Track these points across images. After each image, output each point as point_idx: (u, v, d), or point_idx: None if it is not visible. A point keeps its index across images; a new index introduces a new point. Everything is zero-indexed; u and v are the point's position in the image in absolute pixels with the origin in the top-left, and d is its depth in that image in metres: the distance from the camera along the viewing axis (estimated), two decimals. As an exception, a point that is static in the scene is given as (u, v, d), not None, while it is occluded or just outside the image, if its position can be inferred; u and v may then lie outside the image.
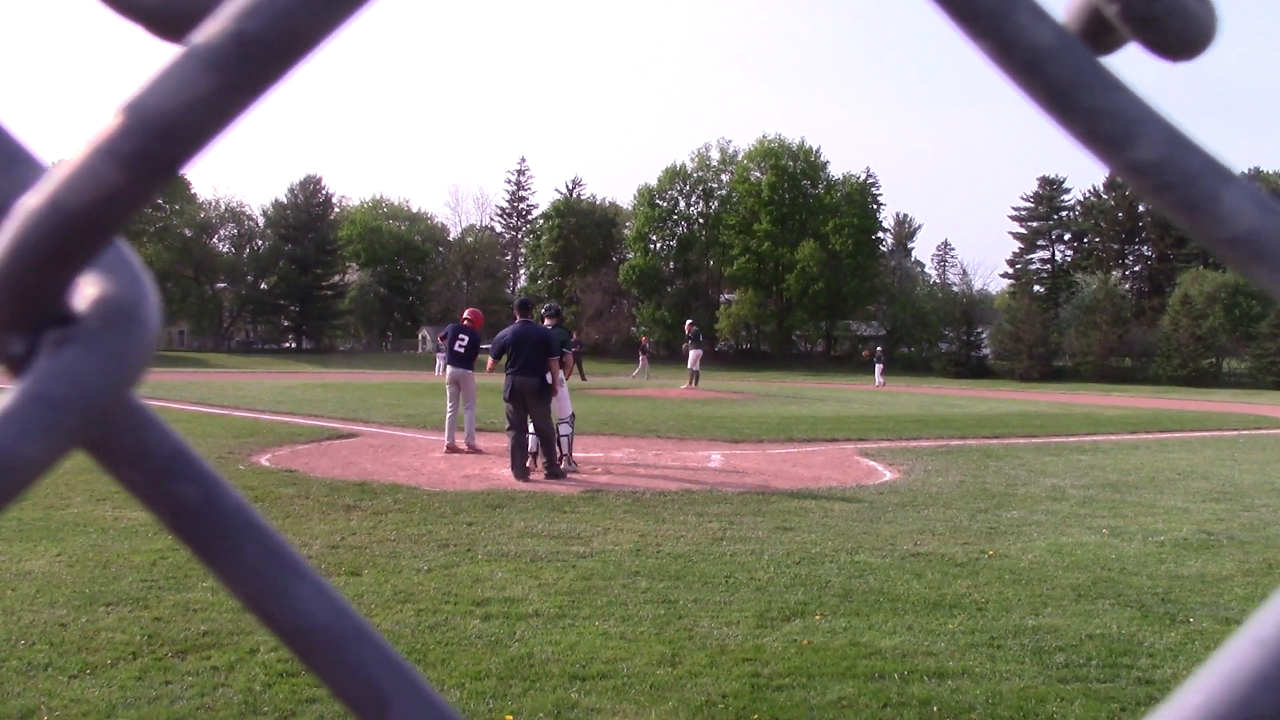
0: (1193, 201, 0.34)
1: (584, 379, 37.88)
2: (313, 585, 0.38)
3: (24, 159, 0.35)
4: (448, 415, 14.71)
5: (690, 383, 37.61)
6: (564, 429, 13.01)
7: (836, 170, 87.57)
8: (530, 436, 12.47)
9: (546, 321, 13.42)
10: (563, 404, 13.07)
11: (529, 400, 12.41)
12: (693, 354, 38.58)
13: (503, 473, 12.45)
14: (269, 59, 0.32)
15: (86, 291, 0.33)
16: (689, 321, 43.06)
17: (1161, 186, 0.34)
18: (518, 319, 12.87)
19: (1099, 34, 0.36)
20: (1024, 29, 0.34)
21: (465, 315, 15.25)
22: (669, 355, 73.11)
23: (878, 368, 52.30)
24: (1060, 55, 0.34)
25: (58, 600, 6.16)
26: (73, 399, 0.31)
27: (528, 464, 12.34)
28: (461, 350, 14.96)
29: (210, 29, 0.32)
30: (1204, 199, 0.34)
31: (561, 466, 12.58)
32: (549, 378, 12.61)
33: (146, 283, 0.35)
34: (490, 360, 13.08)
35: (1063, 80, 0.34)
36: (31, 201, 0.32)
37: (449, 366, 15.28)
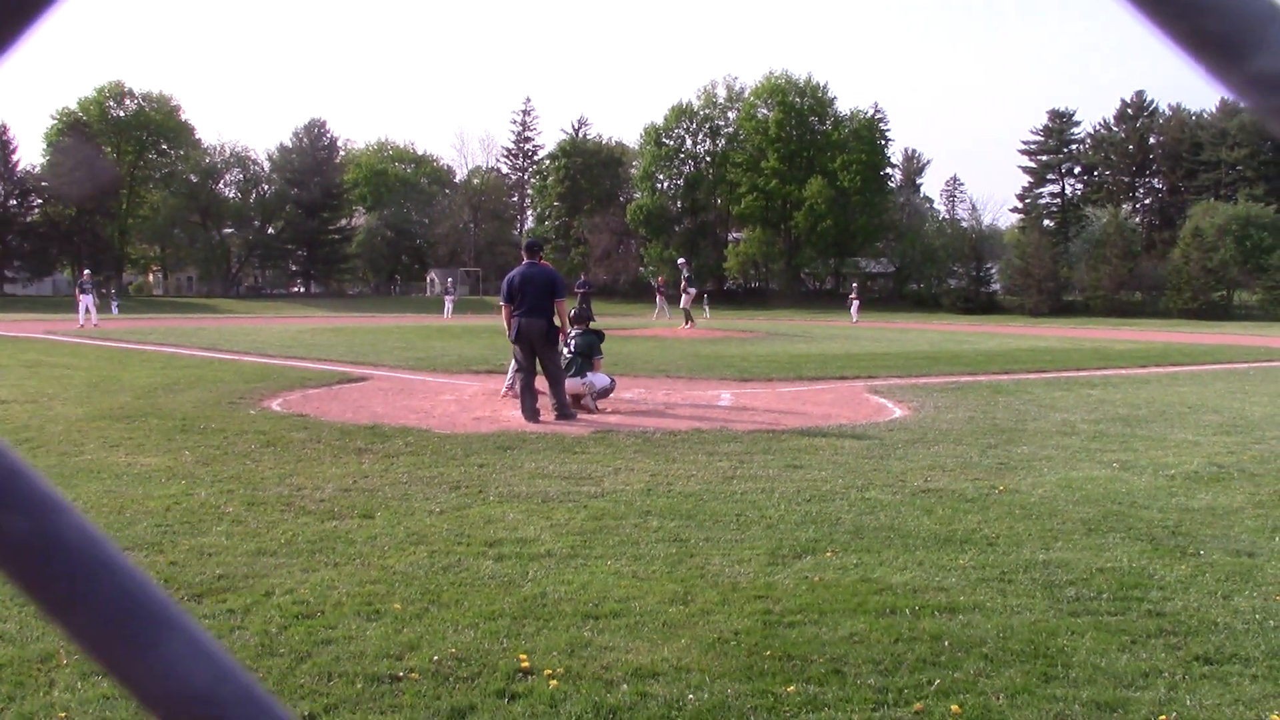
0: None
1: (593, 320, 38.00)
2: (188, 639, 0.30)
3: None
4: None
5: (686, 321, 37.55)
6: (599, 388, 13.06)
7: (844, 106, 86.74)
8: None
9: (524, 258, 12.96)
10: (599, 379, 13.06)
11: (536, 342, 12.39)
12: (691, 292, 38.48)
13: (513, 414, 12.46)
14: None
15: None
16: (682, 260, 42.84)
17: None
18: (525, 260, 12.82)
19: None
20: None
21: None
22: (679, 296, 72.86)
23: (854, 304, 52.52)
24: None
25: None
26: None
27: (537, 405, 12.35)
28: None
29: None
30: None
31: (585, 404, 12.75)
32: (555, 320, 12.58)
33: None
34: (503, 306, 12.88)
35: None
36: None
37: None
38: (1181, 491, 8.27)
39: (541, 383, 12.56)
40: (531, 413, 12.13)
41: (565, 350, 12.87)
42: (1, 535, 0.29)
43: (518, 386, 13.79)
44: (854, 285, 59.90)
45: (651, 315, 52.19)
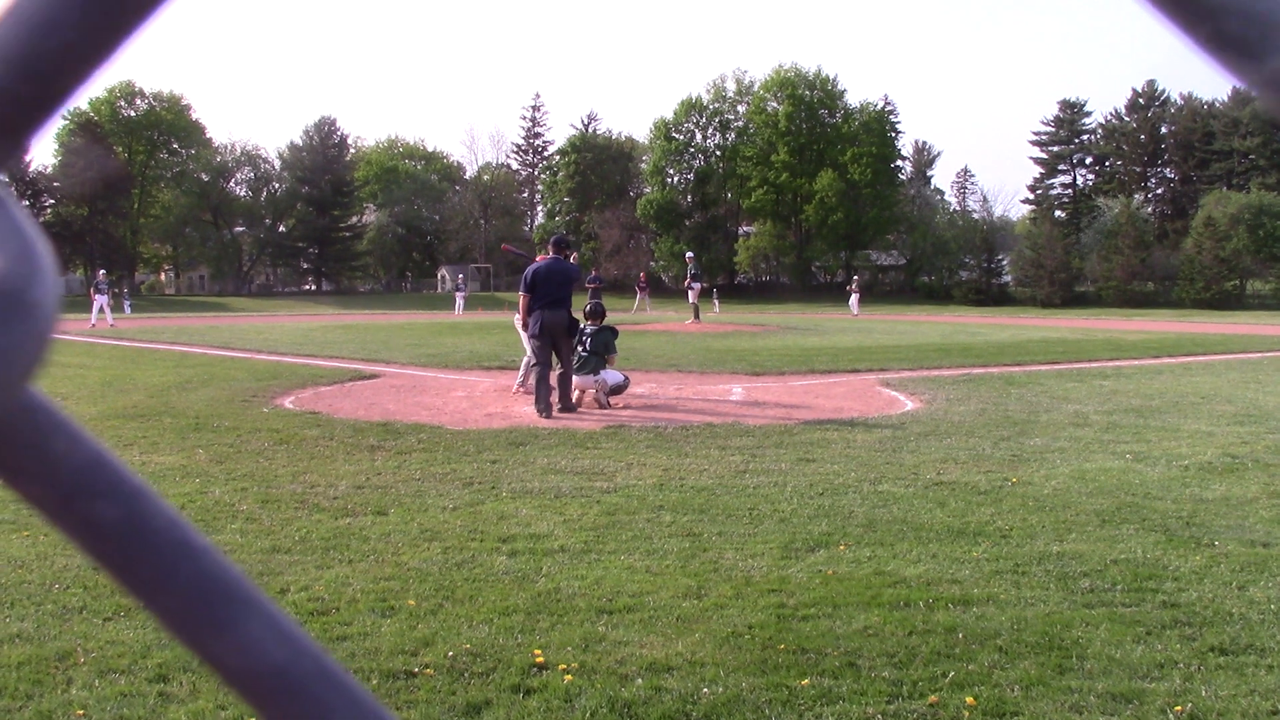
0: None
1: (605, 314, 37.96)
2: (265, 618, 0.32)
3: None
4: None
5: (695, 316, 37.54)
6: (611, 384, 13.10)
7: (854, 99, 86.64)
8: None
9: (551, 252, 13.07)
10: (613, 375, 13.09)
11: (558, 336, 12.49)
12: (698, 287, 38.43)
13: (525, 410, 12.48)
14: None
15: None
16: (689, 254, 42.86)
17: None
18: (550, 254, 12.89)
19: None
20: None
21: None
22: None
23: (854, 297, 52.35)
24: None
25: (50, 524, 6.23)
26: None
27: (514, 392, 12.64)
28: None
29: None
30: None
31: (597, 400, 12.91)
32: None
33: (40, 254, 0.29)
34: (522, 296, 12.92)
35: None
36: None
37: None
38: (1195, 482, 8.25)
39: (553, 376, 12.63)
40: (546, 407, 12.16)
41: (580, 349, 12.90)
42: (93, 523, 0.31)
43: (531, 382, 13.82)
44: (854, 277, 59.59)
45: (633, 310, 52.13)
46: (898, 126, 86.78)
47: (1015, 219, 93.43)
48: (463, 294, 58.52)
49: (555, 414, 12.16)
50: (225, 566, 0.32)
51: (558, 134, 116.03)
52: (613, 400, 13.03)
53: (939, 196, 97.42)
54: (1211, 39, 0.27)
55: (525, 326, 12.97)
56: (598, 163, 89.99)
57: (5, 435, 0.29)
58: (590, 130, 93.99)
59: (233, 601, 0.31)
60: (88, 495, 0.31)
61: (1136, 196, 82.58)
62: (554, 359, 12.69)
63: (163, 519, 0.31)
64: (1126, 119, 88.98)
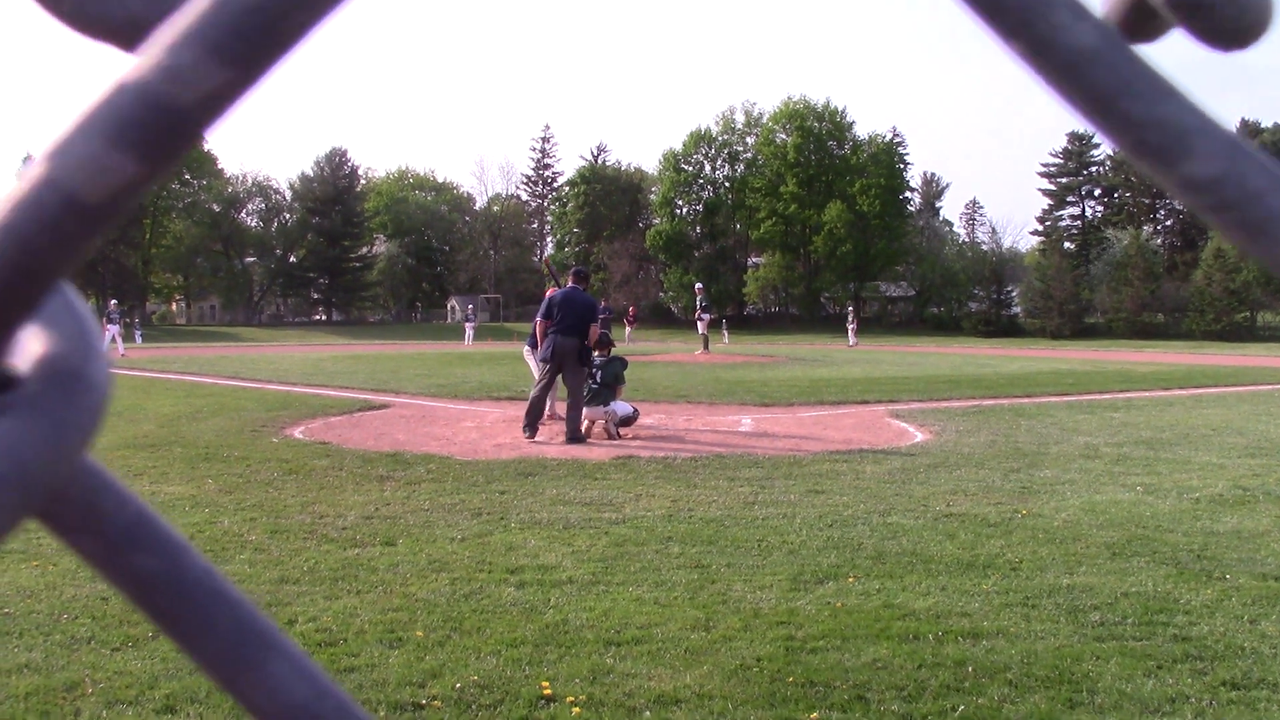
0: (1256, 223, 0.30)
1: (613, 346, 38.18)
2: (290, 660, 0.35)
3: None
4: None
5: (704, 347, 37.68)
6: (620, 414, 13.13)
7: (862, 130, 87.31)
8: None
9: (570, 282, 13.38)
10: (622, 407, 13.14)
11: (567, 360, 12.66)
12: (707, 318, 38.63)
13: (535, 440, 12.51)
14: (266, 35, 0.29)
15: (27, 349, 0.29)
16: (698, 285, 43.08)
17: (1220, 205, 0.31)
18: (569, 284, 13.18)
19: (1139, 21, 0.32)
20: (1061, 28, 0.30)
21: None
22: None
23: (850, 328, 52.06)
24: (1103, 58, 0.30)
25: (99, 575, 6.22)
26: (12, 475, 0.27)
27: (540, 422, 12.90)
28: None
29: (198, 5, 0.28)
30: (1269, 220, 0.30)
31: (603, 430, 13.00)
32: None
33: (94, 336, 0.31)
34: (539, 321, 13.22)
35: (1107, 86, 0.30)
36: None
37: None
38: (1206, 515, 8.21)
39: (561, 407, 12.78)
40: (532, 427, 12.60)
41: (590, 382, 12.97)
42: (137, 574, 0.33)
43: (550, 410, 13.93)
44: (850, 308, 59.07)
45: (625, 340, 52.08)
46: (906, 158, 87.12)
47: (1024, 250, 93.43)
48: (472, 324, 58.66)
49: (563, 443, 12.24)
50: (255, 612, 0.35)
51: (567, 165, 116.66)
52: (622, 431, 13.04)
53: (948, 228, 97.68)
54: (1134, 146, 0.30)
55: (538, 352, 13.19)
56: (607, 194, 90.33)
57: (61, 495, 0.32)
58: (599, 161, 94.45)
59: (261, 645, 0.34)
60: (132, 549, 0.33)
61: (1145, 228, 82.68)
62: (559, 386, 13.00)
63: (200, 571, 0.34)
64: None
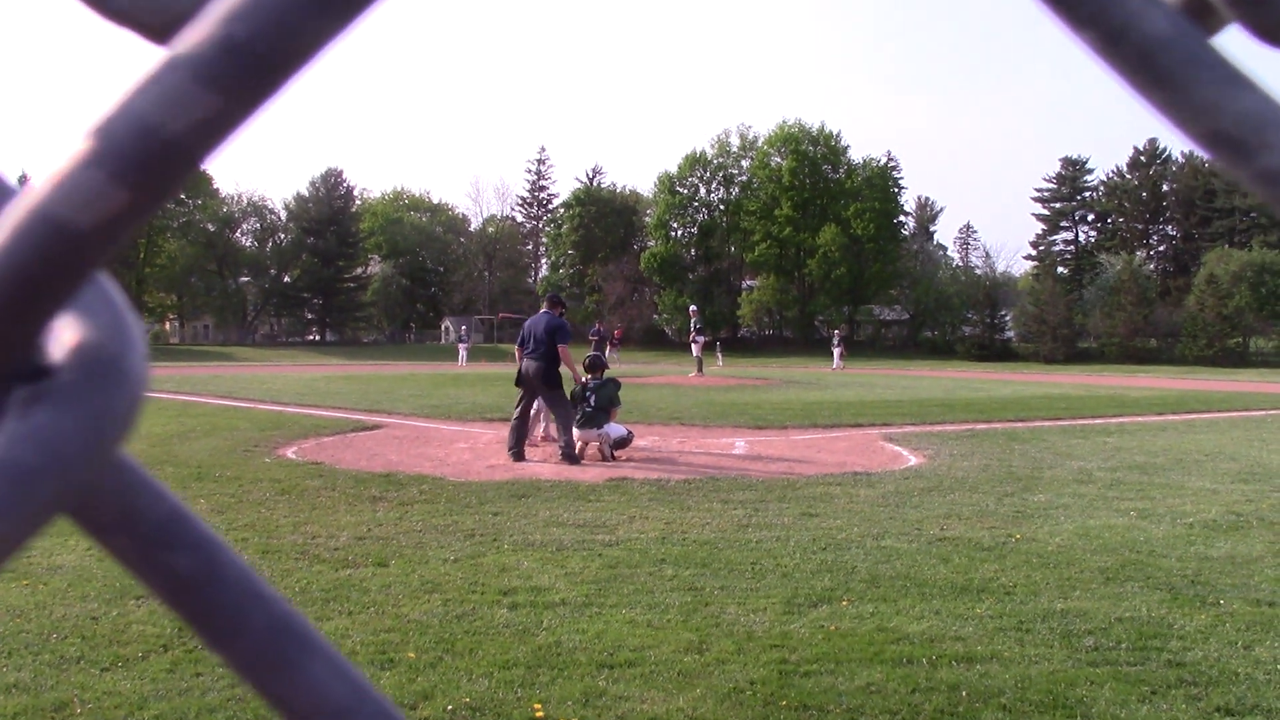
0: None
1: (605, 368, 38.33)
2: (328, 661, 0.34)
3: None
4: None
5: (698, 369, 37.76)
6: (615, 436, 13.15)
7: (857, 154, 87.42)
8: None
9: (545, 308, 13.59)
10: (615, 429, 13.17)
11: (534, 382, 12.86)
12: (701, 340, 38.76)
13: (527, 462, 12.50)
14: (261, 68, 0.29)
15: (63, 338, 0.29)
16: (693, 308, 43.14)
17: None
18: (544, 309, 13.44)
19: (1196, 16, 0.31)
20: (1134, 15, 0.30)
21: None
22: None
23: (836, 351, 51.75)
24: (1178, 46, 0.29)
25: (89, 594, 6.20)
26: (48, 466, 0.27)
27: (527, 444, 13.10)
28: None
29: (194, 35, 0.28)
30: None
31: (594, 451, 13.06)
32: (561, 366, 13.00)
33: (132, 326, 0.30)
34: (518, 348, 13.39)
35: (1182, 75, 0.29)
36: None
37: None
38: (1200, 540, 8.21)
39: (554, 429, 12.95)
40: (516, 454, 12.68)
41: (585, 405, 13.00)
42: (171, 574, 0.33)
43: (544, 431, 14.06)
44: (835, 332, 57.81)
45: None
46: (900, 182, 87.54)
47: (1018, 275, 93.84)
48: (465, 345, 58.64)
49: (556, 462, 12.28)
50: (291, 613, 0.34)
51: (562, 187, 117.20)
52: (616, 454, 13.03)
53: (942, 252, 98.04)
54: (1207, 136, 0.30)
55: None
56: (602, 216, 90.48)
57: (95, 492, 0.31)
58: (594, 183, 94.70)
59: (300, 646, 0.33)
60: (166, 547, 0.33)
61: (1139, 253, 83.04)
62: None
63: (235, 569, 0.34)
64: (1128, 176, 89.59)
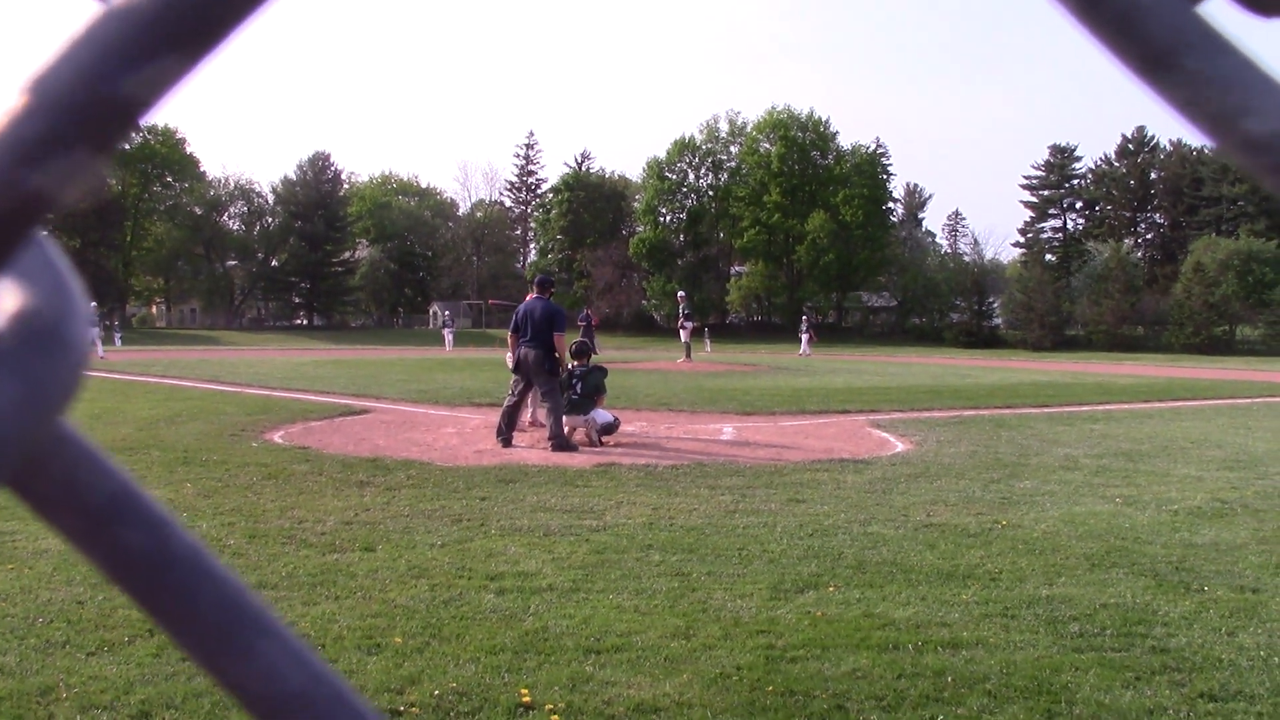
0: None
1: (596, 353, 38.27)
2: (282, 644, 0.33)
3: None
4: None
5: (686, 355, 37.74)
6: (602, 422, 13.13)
7: (846, 141, 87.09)
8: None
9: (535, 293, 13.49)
10: (602, 415, 13.15)
11: (532, 370, 12.79)
12: (690, 326, 38.69)
13: (515, 447, 12.50)
14: (204, 17, 0.28)
15: (0, 304, 0.28)
16: (681, 294, 43.02)
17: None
18: (534, 294, 13.32)
19: None
20: None
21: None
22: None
23: (804, 337, 50.98)
24: (1158, 10, 0.29)
25: (75, 578, 6.19)
26: None
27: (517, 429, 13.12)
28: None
29: None
30: None
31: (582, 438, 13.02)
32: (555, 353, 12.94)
33: (74, 292, 0.29)
34: (510, 334, 13.28)
35: (1162, 40, 0.29)
36: None
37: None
38: (1185, 527, 8.25)
39: (542, 414, 13.06)
40: (505, 440, 12.67)
41: (571, 393, 12.99)
42: (119, 550, 0.31)
43: (532, 416, 14.03)
44: (804, 317, 55.94)
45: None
46: (889, 169, 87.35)
47: (1006, 262, 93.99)
48: (451, 330, 58.55)
49: (549, 451, 12.25)
50: (245, 593, 0.33)
51: (551, 172, 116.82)
52: (604, 439, 13.03)
53: (930, 239, 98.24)
54: (1188, 103, 0.29)
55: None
56: (590, 201, 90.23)
57: (37, 465, 0.30)
58: (583, 169, 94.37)
59: (253, 627, 0.32)
60: (114, 524, 0.32)
61: (1126, 241, 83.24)
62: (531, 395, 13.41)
63: (185, 547, 0.32)
64: (1116, 164, 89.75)
